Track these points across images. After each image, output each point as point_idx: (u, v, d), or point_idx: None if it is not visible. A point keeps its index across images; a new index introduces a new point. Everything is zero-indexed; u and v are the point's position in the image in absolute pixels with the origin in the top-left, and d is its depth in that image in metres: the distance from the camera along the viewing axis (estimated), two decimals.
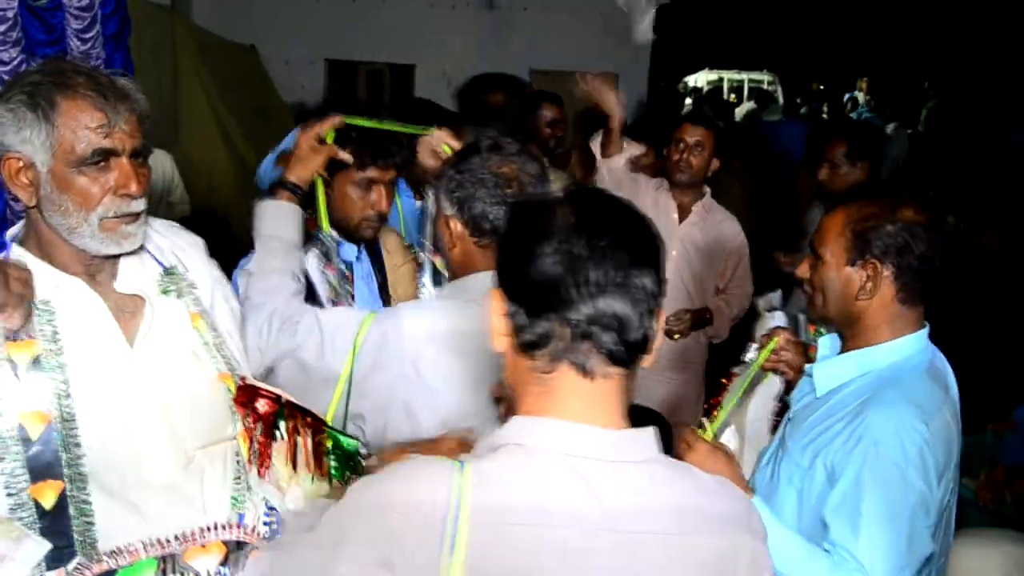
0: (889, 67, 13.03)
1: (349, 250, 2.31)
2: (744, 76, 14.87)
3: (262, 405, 1.65)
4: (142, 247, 1.64)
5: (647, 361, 1.15)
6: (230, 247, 2.31)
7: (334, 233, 2.24)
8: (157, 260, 1.70)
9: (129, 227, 1.55)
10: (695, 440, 1.82)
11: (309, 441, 1.69)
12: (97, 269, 1.59)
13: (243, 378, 1.70)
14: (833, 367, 1.84)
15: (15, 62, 4.22)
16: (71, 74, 1.48)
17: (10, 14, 4.07)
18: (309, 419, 1.70)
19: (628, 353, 1.10)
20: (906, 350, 1.78)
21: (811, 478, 1.76)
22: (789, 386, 2.14)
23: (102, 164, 1.49)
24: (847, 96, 12.61)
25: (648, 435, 1.14)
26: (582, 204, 1.13)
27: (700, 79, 14.73)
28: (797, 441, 1.83)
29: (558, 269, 1.06)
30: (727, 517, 1.14)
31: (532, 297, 1.09)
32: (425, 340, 1.86)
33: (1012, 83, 8.71)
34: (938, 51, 10.73)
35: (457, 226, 1.91)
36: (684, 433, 1.85)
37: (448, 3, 9.59)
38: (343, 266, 2.25)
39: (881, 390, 1.74)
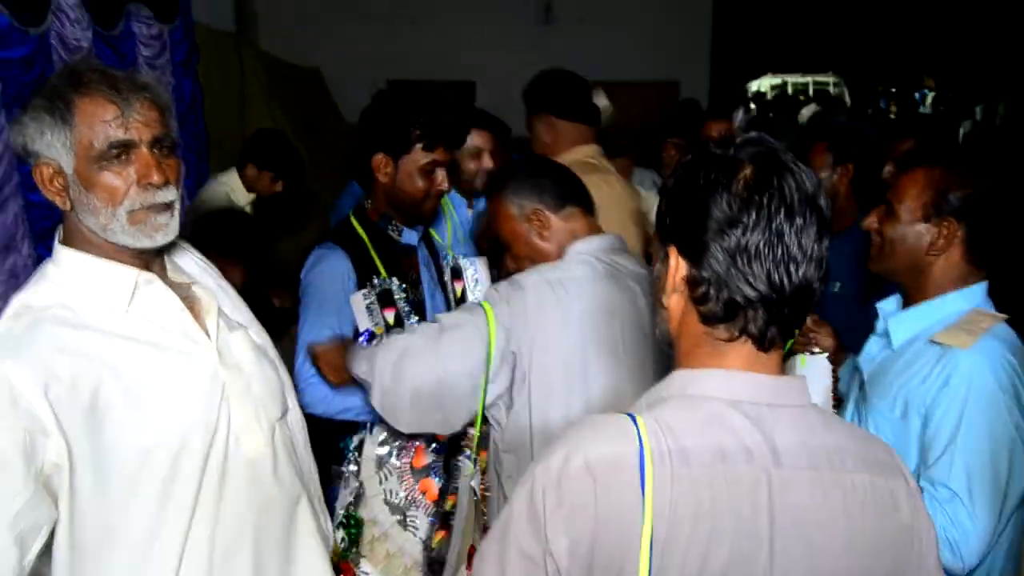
0: (956, 66, 12.69)
1: (410, 235, 2.36)
2: (808, 79, 14.64)
3: None
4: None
5: None
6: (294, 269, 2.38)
7: (394, 279, 2.28)
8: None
9: (160, 218, 1.52)
10: None
11: None
12: (146, 265, 1.58)
13: None
14: (908, 318, 1.88)
15: None
16: (85, 73, 1.49)
17: (84, 43, 4.21)
18: None
19: (802, 323, 1.13)
20: (975, 299, 1.84)
21: (905, 426, 1.77)
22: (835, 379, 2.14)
23: (123, 157, 1.48)
24: (918, 94, 12.33)
25: (801, 383, 1.16)
26: (769, 167, 1.09)
27: (764, 84, 14.58)
28: (883, 395, 1.84)
29: (760, 243, 1.06)
30: (882, 460, 1.16)
31: (724, 269, 1.08)
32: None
33: None
34: (1006, 51, 10.40)
35: (543, 213, 2.02)
36: None
37: (506, 19, 9.68)
38: (403, 303, 2.27)
39: None
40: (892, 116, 11.26)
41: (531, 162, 2.31)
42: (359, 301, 2.20)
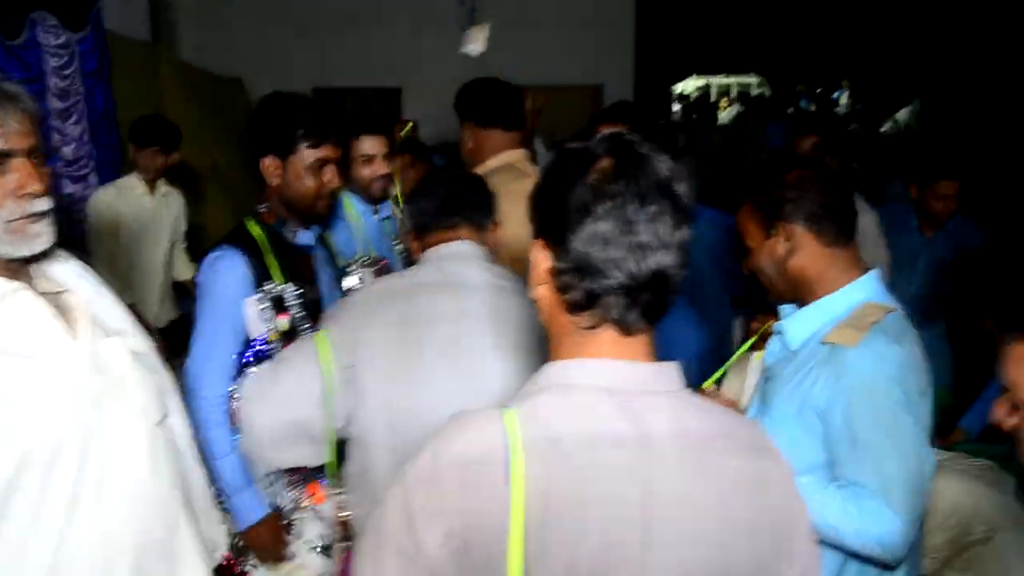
0: (872, 68, 13.06)
1: (306, 236, 2.35)
2: (732, 80, 14.91)
3: None
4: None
5: None
6: None
7: (289, 285, 2.25)
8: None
9: (35, 226, 1.53)
10: (713, 394, 1.97)
11: None
12: (14, 274, 1.57)
13: None
14: (800, 320, 1.92)
15: None
16: None
17: None
18: None
19: (665, 309, 1.16)
20: (862, 292, 1.87)
21: (802, 426, 1.80)
22: None
23: (0, 167, 1.48)
24: (836, 94, 12.64)
25: (673, 369, 1.19)
26: (624, 158, 1.13)
27: (688, 86, 14.78)
28: (779, 393, 1.87)
29: (612, 232, 1.10)
30: (755, 444, 1.20)
31: (582, 259, 1.12)
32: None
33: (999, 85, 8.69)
34: (923, 53, 10.73)
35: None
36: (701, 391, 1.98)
37: (431, 24, 9.60)
38: (297, 308, 2.26)
39: None
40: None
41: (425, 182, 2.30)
42: (251, 307, 2.18)
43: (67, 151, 4.85)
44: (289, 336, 2.20)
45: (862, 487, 1.69)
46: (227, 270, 2.18)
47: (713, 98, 13.81)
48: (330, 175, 2.24)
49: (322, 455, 2.01)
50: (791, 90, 13.33)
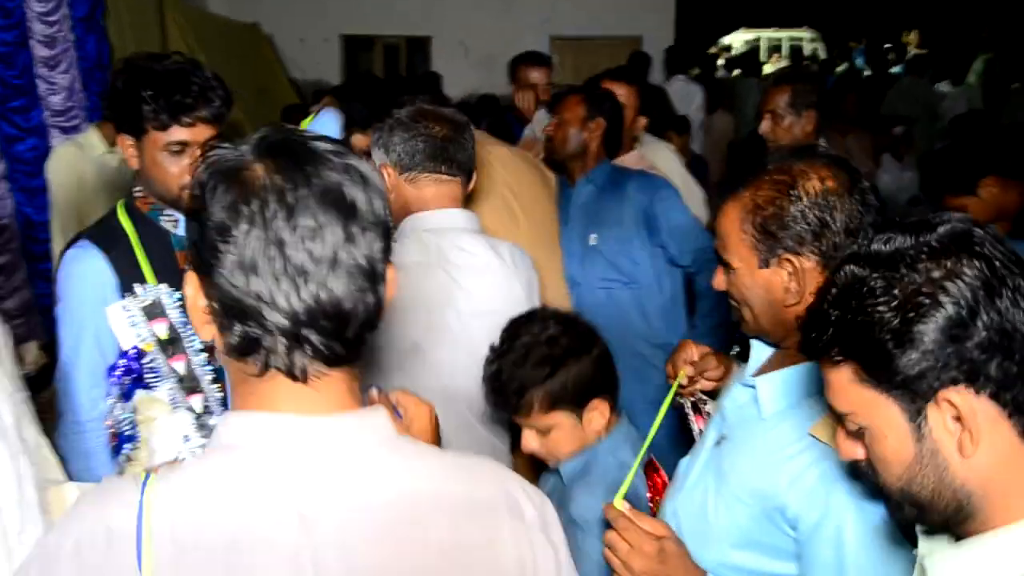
0: (941, 19, 12.30)
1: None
2: (783, 34, 14.23)
3: None
4: None
5: None
6: None
7: (163, 287, 1.91)
8: None
9: None
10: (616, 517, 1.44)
11: None
12: None
13: None
14: (781, 383, 1.45)
15: None
16: None
17: None
18: None
19: (349, 347, 0.94)
20: None
21: (762, 516, 1.40)
22: None
23: None
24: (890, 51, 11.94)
25: (375, 414, 0.99)
26: (285, 160, 0.91)
27: (736, 39, 14.17)
28: (739, 468, 1.47)
29: (254, 259, 0.88)
30: (477, 499, 1.00)
31: (228, 295, 0.90)
32: None
33: None
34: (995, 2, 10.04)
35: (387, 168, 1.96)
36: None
37: None
38: (179, 312, 1.89)
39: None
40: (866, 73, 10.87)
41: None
42: (117, 316, 1.85)
43: (55, 100, 4.68)
44: (171, 345, 1.88)
45: None
46: (82, 275, 1.87)
47: (763, 55, 13.18)
48: (187, 162, 1.82)
49: None
50: (844, 46, 12.67)
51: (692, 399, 1.81)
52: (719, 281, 1.50)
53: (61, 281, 1.90)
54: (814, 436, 1.35)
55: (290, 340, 0.90)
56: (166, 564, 0.88)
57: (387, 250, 0.95)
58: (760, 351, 1.55)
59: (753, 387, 1.48)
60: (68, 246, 1.94)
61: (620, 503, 1.45)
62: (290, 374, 0.93)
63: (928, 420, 0.96)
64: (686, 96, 6.62)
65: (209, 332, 0.95)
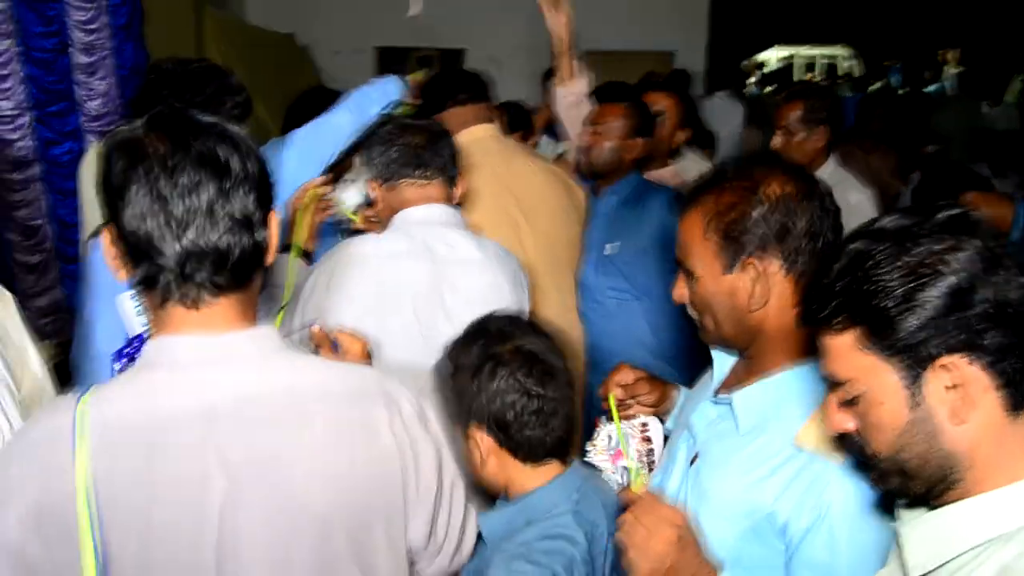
0: (979, 39, 12.15)
1: None
2: (818, 51, 14.15)
3: None
4: None
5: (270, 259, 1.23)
6: None
7: None
8: None
9: None
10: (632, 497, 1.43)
11: None
12: None
13: None
14: (759, 397, 1.44)
15: (7, 54, 4.16)
16: None
17: (1, 4, 3.98)
18: None
19: (234, 278, 1.18)
20: None
21: (752, 530, 1.39)
22: None
23: None
24: (927, 70, 11.80)
25: (265, 331, 1.23)
26: (169, 131, 1.15)
27: (770, 56, 14.09)
28: (721, 486, 1.44)
29: (144, 212, 1.12)
30: (359, 390, 1.25)
31: (128, 238, 1.14)
32: None
33: None
34: None
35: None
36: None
37: None
38: None
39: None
40: (900, 92, 10.74)
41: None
42: (126, 303, 1.94)
43: (92, 106, 4.79)
44: None
45: None
46: (101, 260, 1.96)
47: (798, 72, 13.11)
48: None
49: None
50: (879, 64, 12.54)
51: (629, 424, 1.78)
52: (680, 293, 1.51)
53: (88, 262, 2.07)
54: (798, 446, 1.35)
55: (179, 276, 1.14)
56: (96, 447, 1.09)
57: (261, 200, 1.17)
58: (723, 362, 1.56)
59: (728, 403, 1.47)
60: (92, 235, 2.11)
61: (639, 489, 1.48)
62: (183, 303, 1.16)
63: (924, 387, 1.01)
64: (727, 112, 6.59)
65: (123, 273, 1.18)
